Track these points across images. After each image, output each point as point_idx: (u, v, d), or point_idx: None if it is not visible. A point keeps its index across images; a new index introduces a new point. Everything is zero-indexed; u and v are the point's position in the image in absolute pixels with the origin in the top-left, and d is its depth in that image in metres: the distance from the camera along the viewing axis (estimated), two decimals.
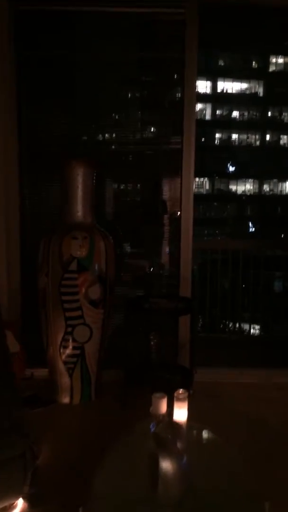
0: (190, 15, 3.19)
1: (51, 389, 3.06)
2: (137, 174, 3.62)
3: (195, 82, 3.24)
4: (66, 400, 3.03)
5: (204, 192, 30.78)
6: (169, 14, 3.32)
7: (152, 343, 3.14)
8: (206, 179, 30.44)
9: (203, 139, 30.79)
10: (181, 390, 1.94)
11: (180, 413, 1.92)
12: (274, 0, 3.31)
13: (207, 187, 30.94)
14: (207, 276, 4.41)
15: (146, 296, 3.16)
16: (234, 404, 3.06)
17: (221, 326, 4.60)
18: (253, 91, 32.18)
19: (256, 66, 32.01)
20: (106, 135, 3.62)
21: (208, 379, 3.32)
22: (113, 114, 3.61)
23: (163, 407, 1.92)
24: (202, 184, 30.80)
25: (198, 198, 29.54)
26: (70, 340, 2.93)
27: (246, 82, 31.98)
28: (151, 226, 3.60)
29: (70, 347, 2.94)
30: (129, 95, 3.64)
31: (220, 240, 5.83)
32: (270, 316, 4.66)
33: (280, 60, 31.76)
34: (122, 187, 3.73)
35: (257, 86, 32.25)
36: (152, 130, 3.66)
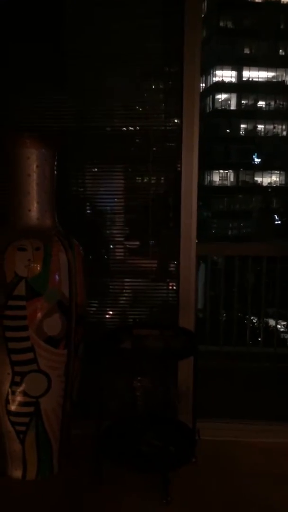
0: None
1: None
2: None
3: (200, 29, 2.30)
4: (17, 473, 2.17)
5: (229, 185, 29.69)
6: None
7: (137, 392, 2.25)
8: (230, 171, 29.37)
9: (228, 130, 29.71)
10: None
11: None
12: None
13: (232, 179, 29.86)
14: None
15: (128, 327, 2.26)
16: (248, 485, 2.14)
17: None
18: (280, 80, 30.92)
19: (284, 53, 30.76)
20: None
21: (217, 436, 2.42)
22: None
23: None
24: (227, 176, 29.72)
25: (222, 190, 28.52)
26: (19, 394, 2.07)
27: (272, 71, 30.77)
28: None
29: (19, 402, 2.08)
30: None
31: (234, 244, 4.89)
32: None
33: None
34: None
35: (284, 74, 31.01)
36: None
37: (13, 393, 2.07)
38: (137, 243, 2.76)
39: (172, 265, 2.62)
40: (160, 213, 2.61)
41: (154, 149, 2.62)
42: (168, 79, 2.62)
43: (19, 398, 2.07)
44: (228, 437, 2.44)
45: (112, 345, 2.12)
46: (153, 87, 2.67)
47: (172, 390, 2.35)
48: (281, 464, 2.30)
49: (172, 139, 2.52)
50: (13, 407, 2.09)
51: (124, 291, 2.74)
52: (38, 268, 2.01)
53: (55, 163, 2.15)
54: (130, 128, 2.63)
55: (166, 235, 2.64)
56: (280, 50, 30.98)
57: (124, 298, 2.73)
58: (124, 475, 2.14)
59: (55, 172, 2.15)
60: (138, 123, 2.62)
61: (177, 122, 2.45)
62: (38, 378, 2.06)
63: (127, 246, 2.73)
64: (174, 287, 2.58)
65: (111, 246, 2.72)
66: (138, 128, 2.62)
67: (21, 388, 2.06)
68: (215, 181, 29.32)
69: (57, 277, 2.04)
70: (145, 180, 2.71)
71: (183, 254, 2.44)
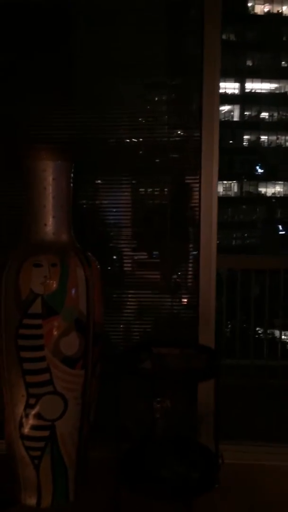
0: None
1: (11, 482, 2.11)
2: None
3: (219, 39, 2.24)
4: (31, 501, 2.07)
5: (233, 195, 29.65)
6: None
7: (157, 414, 2.15)
8: (234, 182, 29.36)
9: (230, 141, 29.76)
10: None
11: None
12: None
13: (236, 189, 29.84)
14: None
15: (146, 345, 2.16)
16: None
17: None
18: (282, 91, 31.06)
19: (287, 65, 30.92)
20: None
21: (239, 459, 2.31)
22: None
23: None
24: (230, 186, 29.70)
25: (226, 201, 28.47)
26: (34, 417, 1.97)
27: (275, 82, 30.92)
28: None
29: (34, 426, 1.98)
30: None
31: (253, 257, 4.76)
32: None
33: None
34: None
35: (286, 85, 31.15)
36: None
37: (28, 416, 1.97)
38: (146, 255, 2.69)
39: (190, 279, 2.54)
40: (179, 225, 2.53)
41: (170, 160, 2.55)
42: (185, 89, 2.55)
43: (34, 421, 1.98)
44: (251, 461, 2.33)
45: (131, 364, 2.02)
46: (172, 97, 2.59)
47: (193, 411, 2.24)
48: None
49: (190, 149, 2.45)
50: (27, 431, 1.99)
51: (140, 306, 2.65)
52: (55, 285, 1.92)
53: (72, 175, 2.07)
54: (147, 139, 2.55)
55: (183, 247, 2.56)
56: (283, 62, 31.14)
57: (140, 314, 2.64)
58: (144, 502, 2.03)
59: (72, 184, 2.08)
60: (153, 134, 2.54)
61: (196, 132, 2.38)
62: (54, 400, 1.97)
63: (136, 259, 2.66)
64: (193, 302, 2.49)
65: (126, 259, 2.65)
66: (154, 138, 2.55)
67: (36, 411, 1.97)
68: (219, 192, 29.28)
69: (74, 294, 1.95)
70: (158, 191, 2.64)
71: (203, 268, 2.35)
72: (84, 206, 2.54)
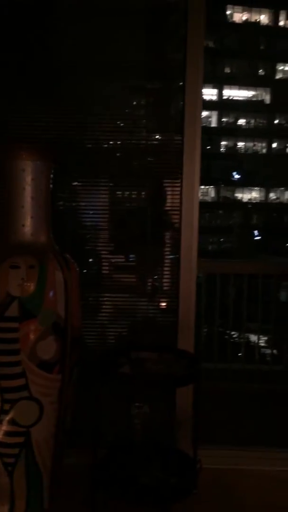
0: None
1: None
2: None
3: (202, 45, 2.24)
4: (3, 509, 2.01)
5: (210, 200, 29.91)
6: None
7: (136, 420, 2.12)
8: (211, 187, 29.63)
9: (208, 147, 30.05)
10: None
11: None
12: None
13: (213, 194, 30.10)
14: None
15: (125, 349, 2.13)
16: None
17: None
18: (259, 99, 31.52)
19: (263, 73, 31.40)
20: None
21: (217, 463, 2.30)
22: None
23: None
24: (208, 192, 29.96)
25: (203, 206, 28.69)
26: (8, 423, 1.91)
27: (252, 90, 31.35)
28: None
29: (8, 432, 1.92)
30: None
31: (234, 262, 4.76)
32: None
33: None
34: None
35: (263, 93, 31.60)
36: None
37: (2, 422, 1.91)
38: (123, 258, 2.67)
39: (169, 283, 2.52)
40: (157, 228, 2.52)
41: (150, 163, 2.54)
42: (167, 92, 2.55)
43: (8, 427, 1.92)
44: (229, 465, 2.33)
45: (109, 369, 1.99)
46: (152, 100, 2.59)
47: (171, 416, 2.22)
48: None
49: (171, 153, 2.44)
50: (1, 437, 1.93)
51: (118, 309, 2.62)
52: (32, 288, 1.87)
53: (51, 176, 2.03)
54: (125, 141, 2.53)
55: (162, 251, 2.54)
56: (260, 70, 31.62)
57: (117, 318, 2.61)
58: (121, 508, 2.00)
59: (51, 185, 2.04)
60: (133, 137, 2.53)
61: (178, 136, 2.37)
62: (29, 406, 1.91)
63: (114, 261, 2.64)
64: (173, 306, 2.47)
65: (104, 263, 2.62)
66: (131, 141, 2.53)
67: (10, 417, 1.91)
68: None
69: (52, 297, 1.91)
70: (136, 195, 2.63)
71: (184, 272, 2.34)
72: (61, 208, 2.51)
